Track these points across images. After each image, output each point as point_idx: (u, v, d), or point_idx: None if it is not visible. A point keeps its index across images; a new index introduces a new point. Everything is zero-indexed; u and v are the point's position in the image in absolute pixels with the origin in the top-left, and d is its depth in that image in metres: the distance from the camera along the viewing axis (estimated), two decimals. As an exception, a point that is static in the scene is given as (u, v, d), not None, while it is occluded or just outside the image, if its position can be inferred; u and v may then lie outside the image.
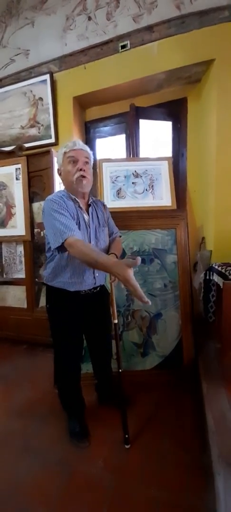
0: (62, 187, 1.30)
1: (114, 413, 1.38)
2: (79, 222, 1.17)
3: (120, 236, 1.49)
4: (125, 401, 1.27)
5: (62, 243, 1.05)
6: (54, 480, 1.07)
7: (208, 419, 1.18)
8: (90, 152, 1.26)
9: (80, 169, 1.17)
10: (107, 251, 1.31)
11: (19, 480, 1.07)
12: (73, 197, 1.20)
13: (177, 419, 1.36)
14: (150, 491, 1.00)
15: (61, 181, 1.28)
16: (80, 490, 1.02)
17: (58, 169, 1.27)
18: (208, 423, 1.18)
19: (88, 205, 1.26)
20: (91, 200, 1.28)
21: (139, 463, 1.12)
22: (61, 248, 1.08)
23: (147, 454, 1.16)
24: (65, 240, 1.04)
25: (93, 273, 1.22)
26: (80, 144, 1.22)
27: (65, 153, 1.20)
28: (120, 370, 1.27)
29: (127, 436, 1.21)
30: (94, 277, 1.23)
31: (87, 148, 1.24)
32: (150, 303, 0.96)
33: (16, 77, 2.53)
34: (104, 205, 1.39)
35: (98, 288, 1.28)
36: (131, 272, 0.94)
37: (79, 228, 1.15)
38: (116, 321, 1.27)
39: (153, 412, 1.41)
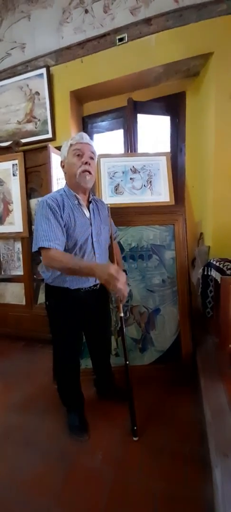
0: (60, 183, 1.29)
1: (114, 407, 1.40)
2: (75, 221, 1.15)
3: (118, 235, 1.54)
4: (131, 393, 1.26)
5: (38, 249, 1.08)
6: (54, 473, 1.08)
7: (206, 412, 1.20)
8: (96, 149, 1.24)
9: (86, 163, 1.15)
10: (108, 250, 1.34)
11: (20, 474, 1.09)
12: (74, 193, 1.19)
13: (175, 412, 1.37)
14: (148, 483, 1.01)
15: (62, 174, 1.26)
16: (80, 482, 1.04)
17: (61, 161, 1.24)
18: (205, 416, 1.20)
19: (89, 202, 1.25)
20: (92, 197, 1.27)
21: (137, 455, 1.14)
22: (39, 254, 1.11)
23: (145, 447, 1.18)
24: (40, 248, 1.07)
25: None
26: (88, 138, 1.20)
27: (71, 145, 1.17)
28: (127, 363, 1.27)
29: (135, 428, 1.21)
30: None
31: (93, 144, 1.22)
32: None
33: (12, 71, 2.50)
34: (107, 207, 1.39)
35: (98, 286, 1.28)
36: (113, 268, 1.00)
37: (75, 226, 1.14)
38: (121, 314, 1.27)
39: (151, 406, 1.42)
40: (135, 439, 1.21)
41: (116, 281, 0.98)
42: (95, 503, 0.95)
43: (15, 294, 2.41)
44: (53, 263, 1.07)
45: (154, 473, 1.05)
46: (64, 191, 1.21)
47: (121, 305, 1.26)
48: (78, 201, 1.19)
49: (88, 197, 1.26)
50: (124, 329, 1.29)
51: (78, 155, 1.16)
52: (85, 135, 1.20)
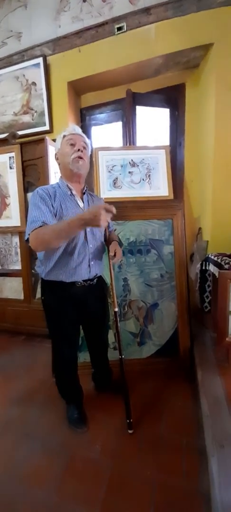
0: (57, 177, 1.28)
1: (112, 400, 1.41)
2: (67, 211, 1.13)
3: (115, 230, 1.54)
4: (126, 387, 1.28)
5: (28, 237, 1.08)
6: (53, 464, 1.10)
7: (203, 404, 1.22)
8: (89, 141, 1.26)
9: (78, 150, 1.17)
10: (103, 243, 1.31)
11: (20, 465, 1.10)
12: (66, 184, 1.19)
13: (172, 405, 1.40)
14: (146, 474, 1.03)
15: (58, 168, 1.26)
16: (79, 473, 1.06)
17: (55, 154, 1.25)
18: (202, 408, 1.22)
19: (83, 193, 1.25)
20: (86, 188, 1.27)
21: (136, 446, 1.16)
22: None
23: (143, 438, 1.20)
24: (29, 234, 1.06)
25: (88, 261, 1.19)
26: (80, 131, 1.24)
27: (64, 136, 1.21)
28: (121, 357, 1.28)
29: (129, 421, 1.23)
30: (89, 265, 1.20)
31: (85, 136, 1.25)
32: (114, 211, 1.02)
33: (8, 61, 2.44)
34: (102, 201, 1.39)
35: (95, 281, 1.27)
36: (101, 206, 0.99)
37: (67, 216, 1.12)
38: (116, 309, 1.28)
39: (149, 399, 1.44)
40: (130, 432, 1.22)
41: (100, 215, 0.95)
42: (94, 493, 0.97)
43: (13, 289, 2.40)
44: (40, 236, 1.03)
45: (152, 464, 1.07)
46: (58, 183, 1.22)
47: (115, 299, 1.28)
48: (71, 192, 1.19)
49: (83, 188, 1.26)
50: (118, 324, 1.30)
51: (71, 144, 1.18)
52: (77, 127, 1.24)
